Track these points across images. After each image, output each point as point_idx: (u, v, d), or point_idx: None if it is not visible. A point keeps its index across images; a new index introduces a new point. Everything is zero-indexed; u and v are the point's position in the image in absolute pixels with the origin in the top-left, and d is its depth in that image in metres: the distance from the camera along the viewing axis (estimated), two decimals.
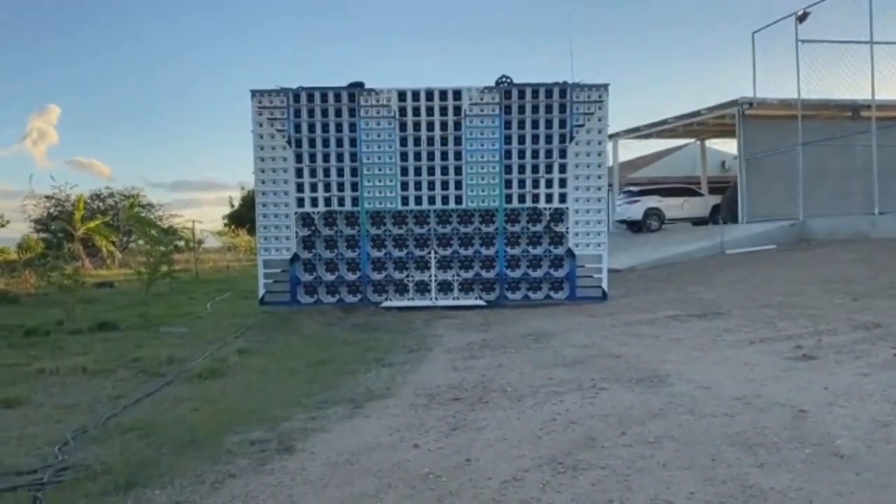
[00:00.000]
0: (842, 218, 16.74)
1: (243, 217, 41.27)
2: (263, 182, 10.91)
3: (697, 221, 24.45)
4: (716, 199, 24.73)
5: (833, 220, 16.85)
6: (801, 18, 17.79)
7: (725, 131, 25.03)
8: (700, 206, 24.91)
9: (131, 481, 3.44)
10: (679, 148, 34.29)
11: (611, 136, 22.38)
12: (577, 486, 3.19)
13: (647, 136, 27.78)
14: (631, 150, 33.95)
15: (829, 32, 17.52)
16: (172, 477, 3.51)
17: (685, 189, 25.93)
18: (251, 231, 29.73)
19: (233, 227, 42.29)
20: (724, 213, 22.07)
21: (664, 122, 24.78)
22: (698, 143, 29.61)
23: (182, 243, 22.19)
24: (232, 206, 50.71)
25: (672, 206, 24.54)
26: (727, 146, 29.96)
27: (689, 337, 7.10)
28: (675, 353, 6.30)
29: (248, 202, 39.01)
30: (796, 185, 18.17)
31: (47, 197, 33.55)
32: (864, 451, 3.45)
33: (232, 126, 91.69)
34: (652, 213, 24.33)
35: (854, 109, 20.27)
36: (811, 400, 4.42)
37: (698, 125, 24.78)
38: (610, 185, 14.51)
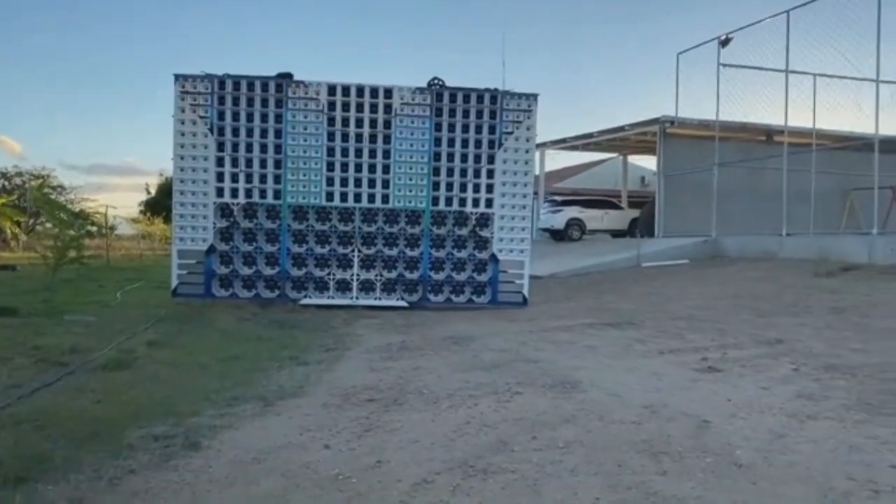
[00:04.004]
0: (752, 237, 17.44)
1: (160, 205, 39.86)
2: (182, 169, 10.54)
3: (617, 233, 25.09)
4: (635, 213, 25.43)
5: (743, 239, 17.55)
6: (724, 43, 18.48)
7: (647, 148, 25.82)
8: (620, 218, 25.58)
9: (22, 476, 3.25)
10: (603, 161, 35.19)
11: (538, 146, 22.71)
12: (487, 490, 3.20)
13: (574, 148, 28.39)
14: (557, 160, 34.63)
15: (749, 58, 18.27)
16: (67, 471, 3.34)
17: (606, 202, 26.60)
18: (167, 220, 28.76)
19: (148, 214, 40.87)
20: (642, 227, 22.69)
21: (589, 135, 25.36)
22: (621, 157, 30.45)
23: (94, 228, 21.27)
24: (149, 192, 49.11)
25: (593, 218, 25.13)
26: (647, 162, 30.93)
27: (603, 345, 7.25)
28: (589, 360, 6.43)
29: (166, 190, 37.73)
30: (711, 204, 18.86)
31: None
32: (760, 462, 3.59)
33: (155, 111, 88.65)
34: (574, 223, 24.84)
35: (768, 134, 21.21)
36: (714, 411, 4.57)
37: (621, 140, 25.50)
38: (535, 193, 14.71)
